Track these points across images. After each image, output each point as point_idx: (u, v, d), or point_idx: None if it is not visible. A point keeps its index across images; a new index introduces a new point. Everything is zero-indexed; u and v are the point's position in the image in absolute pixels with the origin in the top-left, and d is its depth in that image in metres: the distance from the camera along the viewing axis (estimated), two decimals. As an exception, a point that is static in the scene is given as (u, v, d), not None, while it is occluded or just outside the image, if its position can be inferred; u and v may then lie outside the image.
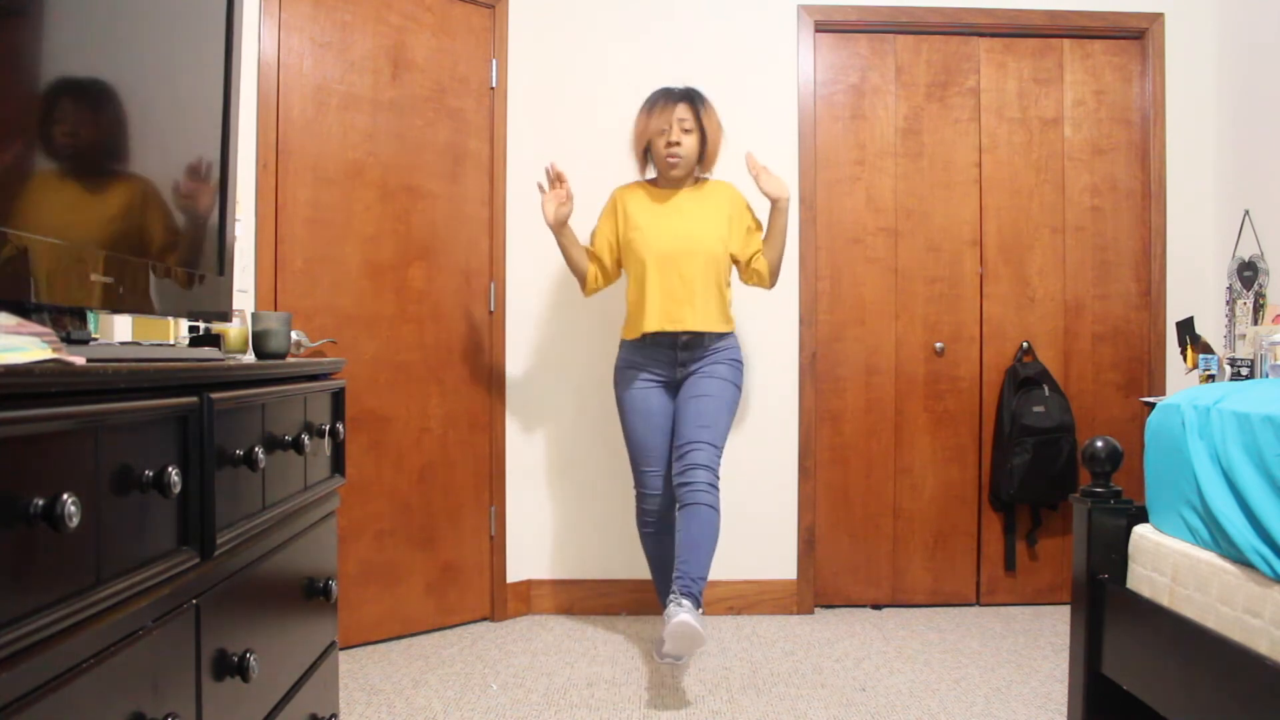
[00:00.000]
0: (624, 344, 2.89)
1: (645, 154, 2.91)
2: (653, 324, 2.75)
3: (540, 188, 2.83)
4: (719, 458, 2.70)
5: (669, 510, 2.82)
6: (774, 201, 2.77)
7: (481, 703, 2.48)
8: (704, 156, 2.84)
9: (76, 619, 0.81)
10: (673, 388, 2.83)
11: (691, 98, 2.81)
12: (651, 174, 2.96)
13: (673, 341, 2.79)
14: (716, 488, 2.66)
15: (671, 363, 2.81)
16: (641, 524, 2.91)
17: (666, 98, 2.80)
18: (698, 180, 2.90)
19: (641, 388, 2.82)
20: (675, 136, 2.76)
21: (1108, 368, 3.49)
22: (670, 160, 2.78)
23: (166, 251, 1.39)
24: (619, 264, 2.91)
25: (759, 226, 2.87)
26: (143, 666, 0.96)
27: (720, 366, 2.78)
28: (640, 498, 2.88)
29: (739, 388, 2.81)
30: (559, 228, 2.82)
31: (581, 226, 3.41)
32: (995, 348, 3.46)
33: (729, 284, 2.85)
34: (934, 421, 3.45)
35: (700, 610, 2.53)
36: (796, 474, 3.38)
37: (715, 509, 2.62)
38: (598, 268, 2.91)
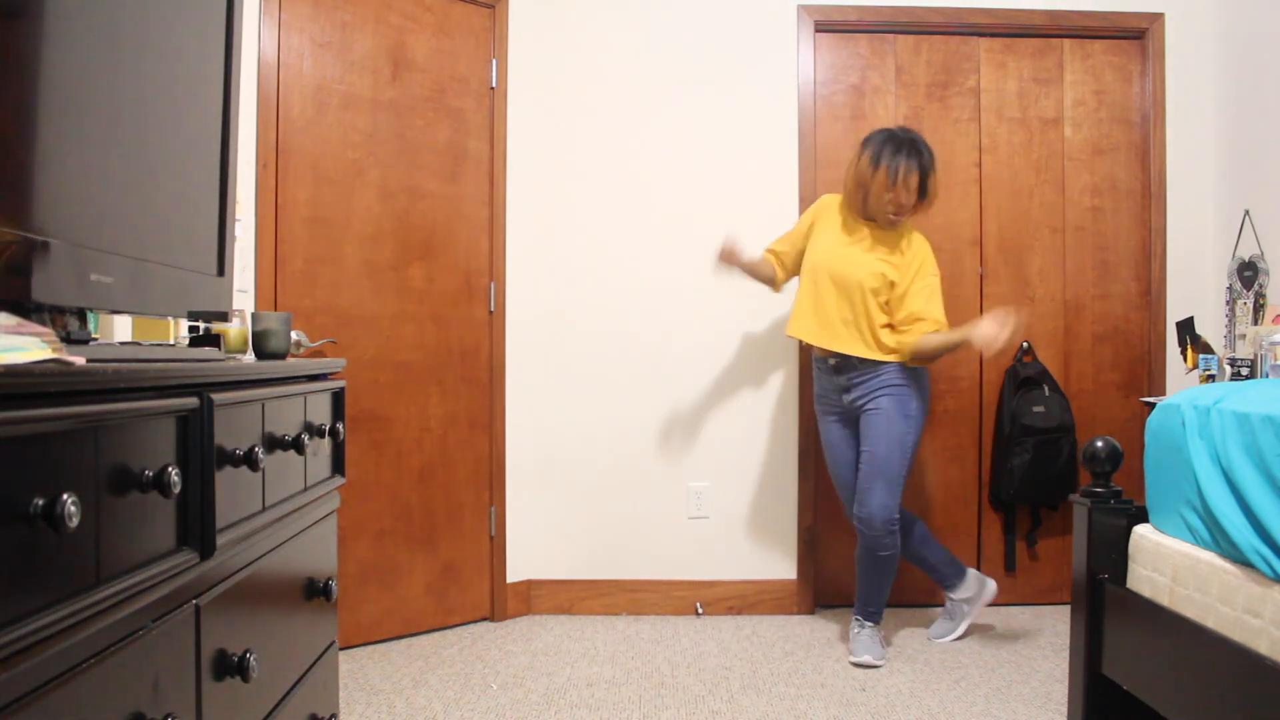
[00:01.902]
0: (812, 360, 3.02)
1: (859, 190, 2.86)
2: (799, 331, 2.91)
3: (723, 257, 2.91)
4: (895, 497, 2.78)
5: (866, 536, 2.85)
6: (972, 341, 2.68)
7: (481, 703, 2.48)
8: (919, 209, 2.87)
9: (76, 619, 0.81)
10: (849, 417, 2.90)
11: (922, 161, 2.79)
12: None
13: (826, 364, 2.89)
14: (894, 529, 2.79)
15: (836, 389, 2.90)
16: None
17: (904, 157, 2.77)
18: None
19: (824, 422, 2.99)
20: (904, 200, 2.79)
21: (1108, 368, 3.49)
22: (893, 219, 2.82)
23: (167, 251, 1.39)
24: (798, 265, 3.00)
25: (925, 294, 2.81)
26: (143, 666, 0.96)
27: (883, 399, 2.80)
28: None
29: (908, 416, 2.80)
30: (729, 267, 2.93)
31: (589, 233, 3.41)
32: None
33: (887, 322, 2.82)
34: (934, 421, 3.45)
35: (879, 626, 2.92)
36: (796, 474, 3.38)
37: (891, 551, 2.82)
38: (778, 263, 3.02)
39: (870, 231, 2.88)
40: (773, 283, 3.05)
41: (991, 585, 3.07)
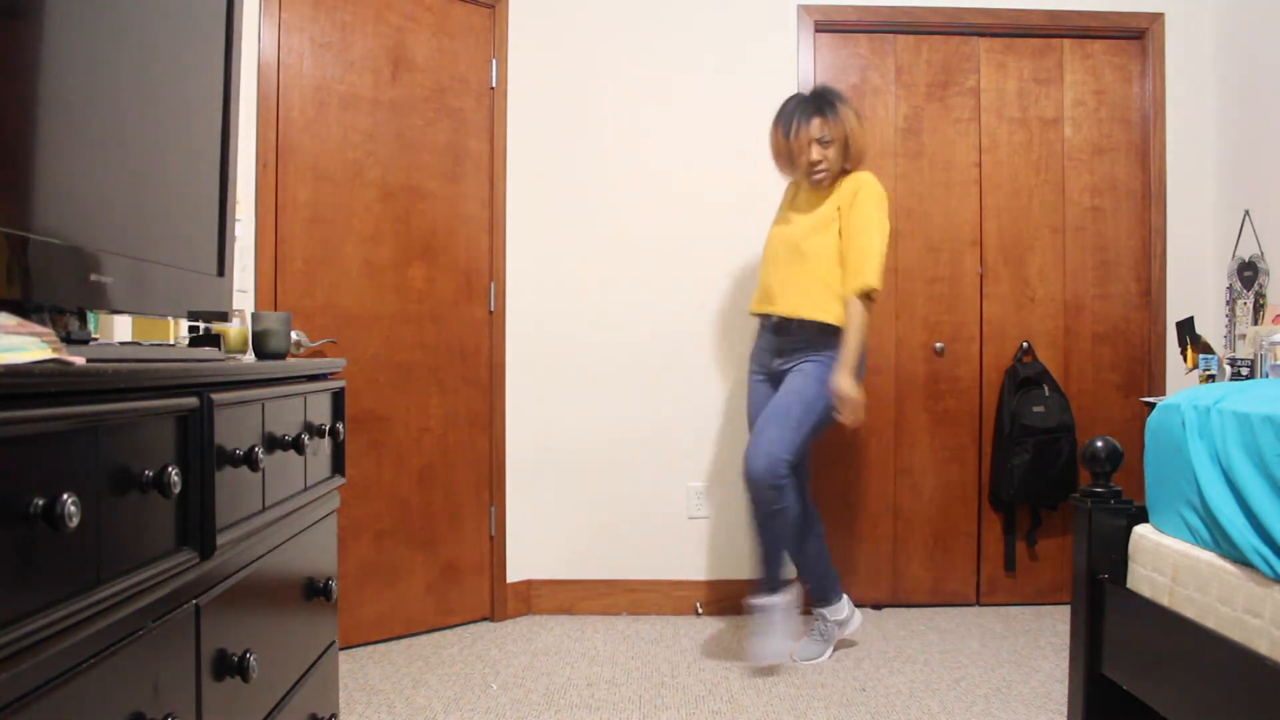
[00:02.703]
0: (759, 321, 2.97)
1: (779, 161, 2.86)
2: (754, 304, 2.92)
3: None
4: (787, 449, 2.61)
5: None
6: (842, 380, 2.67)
7: (481, 703, 2.48)
8: (849, 157, 2.77)
9: (76, 619, 0.81)
10: (774, 380, 2.84)
11: (823, 109, 2.72)
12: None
13: (768, 325, 2.85)
14: (778, 484, 2.60)
15: (772, 352, 2.85)
16: None
17: (799, 114, 2.74)
18: (839, 177, 2.80)
19: (752, 380, 2.94)
20: (815, 156, 2.73)
21: (1108, 368, 3.49)
22: (815, 178, 2.77)
23: (167, 251, 1.39)
24: None
25: (861, 229, 2.69)
26: (143, 666, 0.96)
27: (809, 364, 2.72)
28: None
29: (823, 382, 2.68)
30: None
31: (589, 233, 3.41)
32: (995, 348, 3.46)
33: (827, 282, 2.73)
34: (934, 421, 3.45)
35: (786, 596, 2.76)
36: (796, 474, 3.38)
37: (777, 507, 2.63)
38: None
39: (808, 195, 2.84)
40: None
41: (859, 617, 2.95)
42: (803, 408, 2.67)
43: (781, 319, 2.78)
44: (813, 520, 2.85)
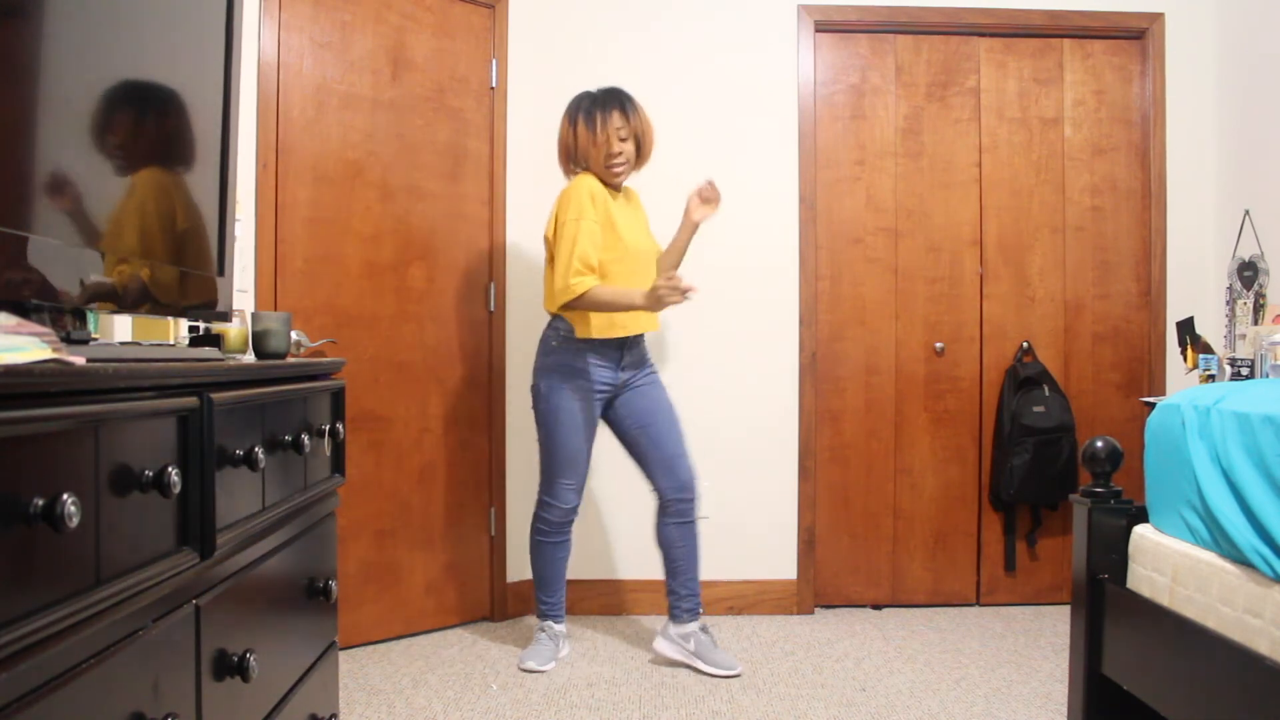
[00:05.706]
0: (566, 344, 2.73)
1: (569, 161, 2.84)
2: (633, 325, 2.72)
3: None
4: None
5: (570, 523, 2.83)
6: (696, 223, 2.89)
7: (481, 703, 2.48)
8: (640, 158, 2.82)
9: (76, 619, 0.81)
10: (611, 397, 2.80)
11: (622, 103, 2.76)
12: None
13: (621, 344, 2.76)
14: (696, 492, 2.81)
15: (615, 366, 2.76)
16: (540, 533, 2.83)
17: (598, 107, 2.74)
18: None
19: (583, 398, 2.74)
20: (616, 148, 2.73)
21: (1108, 368, 3.49)
22: (615, 170, 2.75)
23: (167, 251, 1.39)
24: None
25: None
26: (143, 666, 0.96)
27: (656, 374, 2.88)
28: (547, 508, 2.80)
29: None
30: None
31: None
32: (995, 348, 3.46)
33: None
34: (934, 421, 3.45)
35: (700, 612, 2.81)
36: (796, 474, 3.38)
37: (694, 519, 2.81)
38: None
39: (625, 202, 2.85)
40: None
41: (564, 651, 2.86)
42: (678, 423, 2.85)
43: (638, 336, 2.80)
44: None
